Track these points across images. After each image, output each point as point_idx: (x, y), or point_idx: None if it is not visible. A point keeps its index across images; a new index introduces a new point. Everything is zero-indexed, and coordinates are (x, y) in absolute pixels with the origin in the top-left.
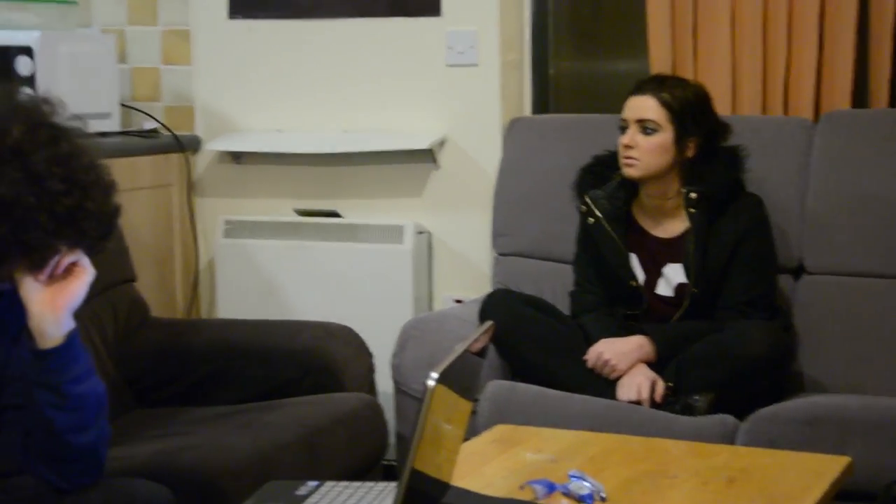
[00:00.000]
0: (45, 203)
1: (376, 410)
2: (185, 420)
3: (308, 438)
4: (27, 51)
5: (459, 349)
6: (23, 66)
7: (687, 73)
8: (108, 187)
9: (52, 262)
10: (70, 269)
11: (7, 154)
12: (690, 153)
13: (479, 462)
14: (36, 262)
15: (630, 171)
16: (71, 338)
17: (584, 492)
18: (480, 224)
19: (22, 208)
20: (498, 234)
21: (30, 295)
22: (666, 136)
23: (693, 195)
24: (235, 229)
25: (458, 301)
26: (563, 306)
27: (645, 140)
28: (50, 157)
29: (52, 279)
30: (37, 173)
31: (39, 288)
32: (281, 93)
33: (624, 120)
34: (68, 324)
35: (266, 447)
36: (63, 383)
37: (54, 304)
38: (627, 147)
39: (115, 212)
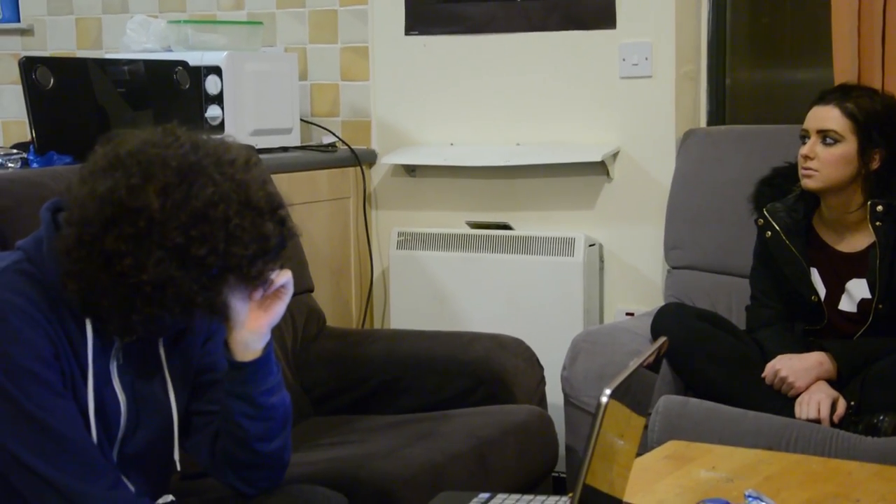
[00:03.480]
0: (193, 273)
1: (546, 422)
2: (360, 428)
3: (479, 449)
4: (216, 70)
5: (633, 365)
6: (212, 85)
7: (874, 82)
8: (260, 223)
9: (265, 284)
10: (278, 290)
11: (145, 229)
12: (875, 164)
13: (651, 479)
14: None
15: (808, 183)
16: (267, 351)
17: None
18: (653, 237)
19: (174, 286)
20: (670, 247)
21: (238, 312)
22: (848, 147)
23: (879, 208)
24: (408, 241)
25: (630, 314)
26: (738, 321)
27: (825, 151)
28: (186, 222)
29: (265, 298)
30: (177, 246)
31: (247, 306)
32: (454, 107)
33: (805, 130)
34: (266, 336)
35: (438, 457)
36: (258, 394)
37: (259, 322)
38: (807, 158)
39: (273, 237)
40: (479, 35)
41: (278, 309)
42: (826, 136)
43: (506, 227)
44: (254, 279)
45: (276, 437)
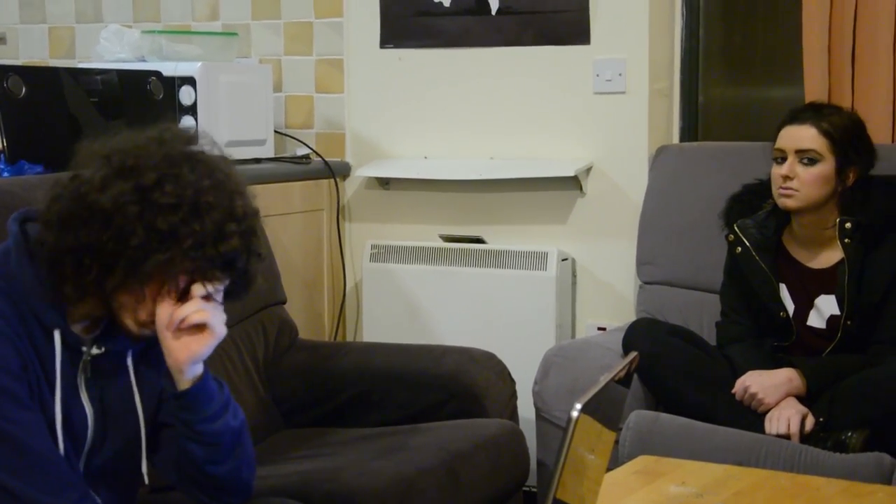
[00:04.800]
0: (146, 217)
1: (518, 437)
2: (331, 441)
3: (450, 463)
4: (190, 81)
5: (604, 380)
6: (186, 95)
7: (844, 101)
8: (232, 214)
9: (178, 318)
10: (200, 328)
11: (124, 173)
12: (850, 182)
13: (621, 493)
14: (136, 277)
15: (788, 203)
16: (202, 382)
17: None
18: (625, 252)
19: (122, 217)
20: (642, 263)
21: (162, 343)
22: (827, 166)
23: (848, 225)
24: (381, 254)
25: (602, 329)
26: (709, 336)
27: (805, 171)
28: (163, 176)
29: (181, 331)
30: (144, 187)
31: (168, 338)
32: (429, 120)
33: (780, 150)
34: (194, 370)
35: (409, 471)
36: (196, 422)
37: (178, 357)
38: (786, 178)
39: (233, 238)
40: (453, 49)
41: (196, 349)
42: (804, 156)
43: (479, 240)
44: (191, 261)
45: (226, 461)
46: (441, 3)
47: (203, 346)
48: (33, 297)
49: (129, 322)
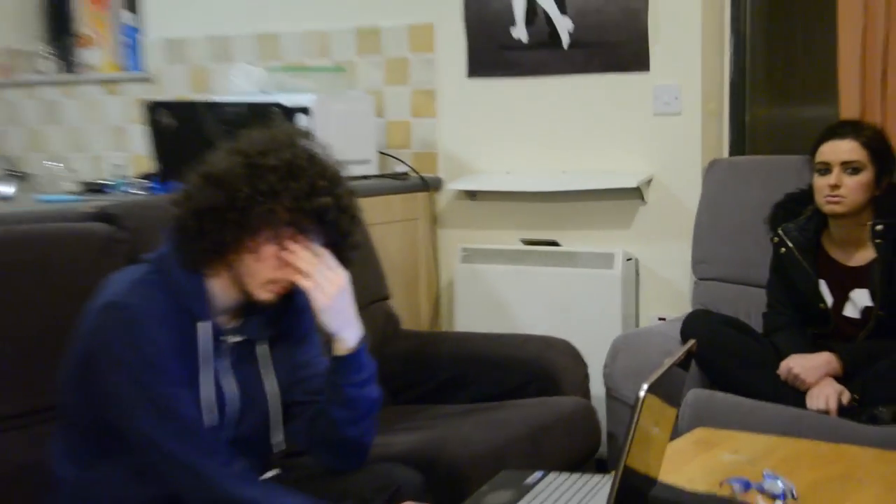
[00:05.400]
0: (251, 178)
1: (590, 412)
2: (431, 416)
3: (533, 434)
4: (306, 110)
5: (667, 364)
6: (302, 121)
7: (875, 118)
8: (321, 173)
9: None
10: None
11: (236, 152)
12: (882, 189)
13: (681, 461)
14: (246, 228)
15: (836, 209)
16: (355, 354)
17: (778, 490)
18: (682, 252)
19: (231, 178)
20: (698, 261)
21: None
22: (868, 174)
23: (879, 227)
24: (471, 256)
25: (662, 319)
26: (756, 325)
27: (850, 179)
28: (268, 149)
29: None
30: (250, 155)
31: (316, 297)
32: (510, 139)
33: (824, 163)
34: (355, 335)
35: (499, 440)
36: (344, 384)
37: (324, 291)
38: (834, 187)
39: (324, 196)
40: (530, 78)
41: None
42: (849, 167)
43: (554, 243)
44: (292, 213)
45: (359, 425)
46: (520, 39)
47: (318, 302)
48: (186, 293)
49: (255, 286)
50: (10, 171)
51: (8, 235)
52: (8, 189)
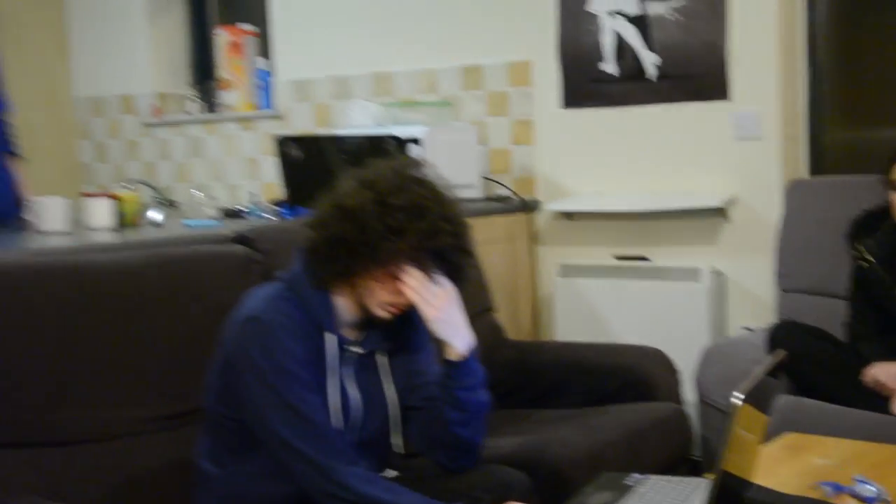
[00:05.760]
0: (381, 215)
1: (683, 417)
2: (534, 420)
3: (630, 438)
4: (416, 141)
5: (759, 373)
6: (414, 151)
7: None
8: (443, 214)
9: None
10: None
11: (367, 185)
12: None
13: (773, 464)
14: (374, 260)
15: None
16: (466, 360)
17: (870, 494)
18: (765, 266)
19: (363, 214)
20: (782, 275)
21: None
22: None
23: None
24: (568, 271)
25: (747, 329)
26: (838, 334)
27: None
28: (396, 187)
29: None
30: (381, 193)
31: (426, 311)
32: (602, 164)
33: None
34: (465, 343)
35: (597, 444)
36: (455, 388)
37: (432, 305)
38: None
39: (445, 236)
40: (619, 107)
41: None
42: None
43: (645, 259)
44: (415, 251)
45: (469, 426)
46: (609, 73)
47: (428, 315)
48: (315, 309)
49: (374, 306)
50: (161, 199)
51: (160, 256)
52: (159, 215)
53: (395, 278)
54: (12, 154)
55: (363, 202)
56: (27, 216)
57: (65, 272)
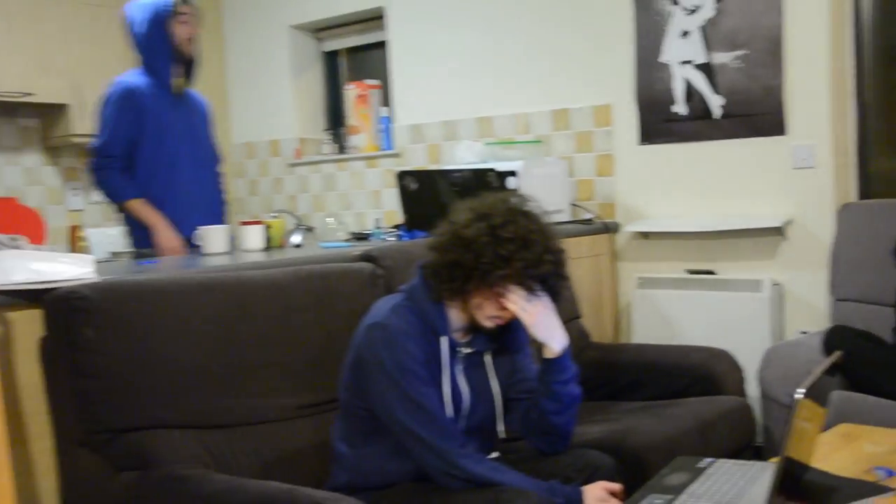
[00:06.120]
0: (494, 245)
1: (748, 409)
2: (615, 411)
3: (701, 427)
4: (514, 173)
5: (818, 371)
6: (511, 182)
7: None
8: (546, 246)
9: (530, 289)
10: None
11: (481, 217)
12: None
13: (829, 451)
14: (485, 284)
15: None
16: (561, 357)
17: None
18: (819, 278)
19: (478, 244)
20: (834, 285)
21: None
22: None
23: None
24: (644, 283)
25: (804, 332)
26: (886, 337)
27: None
28: (506, 221)
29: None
30: (494, 226)
31: (525, 318)
32: (674, 191)
33: None
34: (560, 343)
35: (672, 431)
36: (552, 382)
37: (529, 313)
38: None
39: (547, 265)
40: (689, 143)
41: (526, 321)
42: None
43: (712, 272)
44: (520, 276)
45: (563, 415)
46: (680, 113)
47: (526, 321)
48: (431, 315)
49: (481, 318)
50: (301, 225)
51: (303, 272)
52: (298, 238)
53: (502, 296)
54: (222, 202)
55: (478, 233)
56: (196, 242)
57: (226, 286)
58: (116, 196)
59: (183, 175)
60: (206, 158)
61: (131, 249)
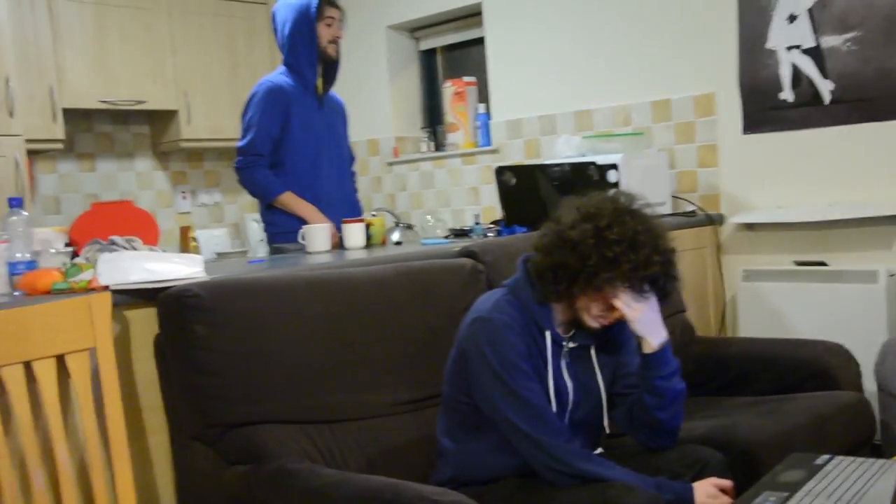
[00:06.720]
0: (600, 247)
1: (865, 404)
2: (723, 406)
3: (816, 422)
4: (614, 166)
5: None
6: (612, 176)
7: None
8: (655, 247)
9: (638, 291)
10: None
11: (587, 218)
12: None
13: None
14: (591, 287)
15: None
16: (661, 352)
17: None
18: None
19: (583, 246)
20: None
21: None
22: None
23: None
24: (750, 276)
25: None
26: None
27: None
28: (613, 221)
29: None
30: (599, 227)
31: (628, 314)
32: (780, 181)
33: None
34: (659, 338)
35: (785, 427)
36: (653, 377)
37: (634, 327)
38: None
39: (656, 266)
40: (796, 131)
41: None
42: None
43: (822, 263)
44: (628, 278)
45: (667, 410)
46: (786, 100)
47: (629, 316)
48: (534, 309)
49: (587, 318)
50: (399, 223)
51: (404, 268)
52: (398, 236)
53: (609, 297)
54: (357, 201)
55: (583, 235)
56: (301, 240)
57: (330, 283)
58: (268, 193)
59: (324, 175)
60: (344, 158)
61: (274, 245)
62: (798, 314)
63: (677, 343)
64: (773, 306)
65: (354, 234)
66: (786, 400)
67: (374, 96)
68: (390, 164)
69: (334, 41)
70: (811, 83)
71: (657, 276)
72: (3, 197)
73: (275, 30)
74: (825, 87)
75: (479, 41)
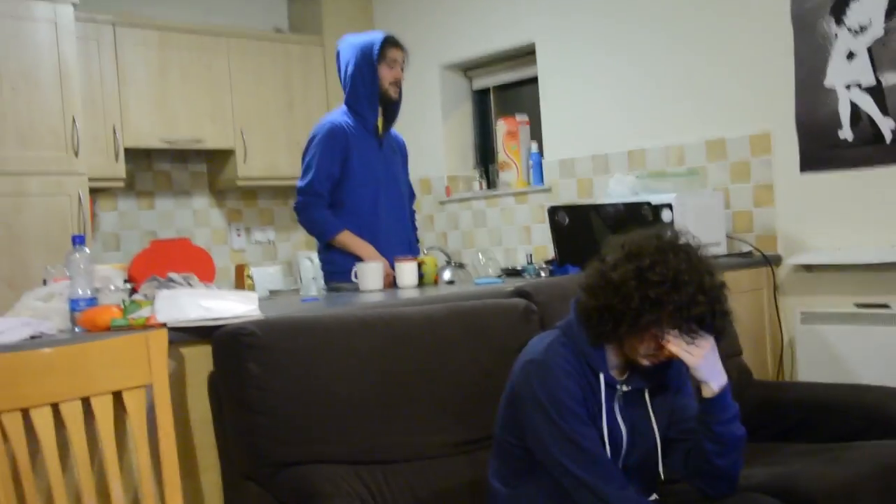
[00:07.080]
0: (642, 289)
1: None
2: (783, 453)
3: (884, 472)
4: (669, 206)
5: None
6: (666, 215)
7: None
8: (700, 284)
9: (689, 334)
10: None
11: (630, 258)
12: None
13: None
14: (635, 329)
15: None
16: (721, 395)
17: None
18: None
19: (626, 288)
20: None
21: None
22: None
23: None
24: (809, 318)
25: None
26: None
27: None
28: (655, 261)
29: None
30: (641, 268)
31: (688, 360)
32: (841, 221)
33: None
34: (719, 382)
35: (849, 476)
36: (713, 423)
37: (693, 355)
38: None
39: (701, 306)
40: (855, 170)
41: (691, 362)
42: None
43: (885, 306)
44: (674, 319)
45: (727, 456)
46: (845, 139)
47: (689, 362)
48: (587, 352)
49: (638, 357)
50: (451, 261)
51: (457, 308)
52: (449, 275)
53: (659, 338)
54: (416, 239)
55: (626, 276)
56: (353, 278)
57: (383, 321)
58: (326, 232)
59: (382, 214)
60: (403, 196)
61: (331, 284)
62: (859, 358)
63: (734, 387)
64: (833, 350)
65: (407, 273)
66: (848, 448)
67: (427, 135)
68: (442, 202)
69: (396, 83)
70: (871, 121)
71: (703, 316)
72: (66, 234)
73: (338, 68)
74: (886, 126)
75: (532, 80)
